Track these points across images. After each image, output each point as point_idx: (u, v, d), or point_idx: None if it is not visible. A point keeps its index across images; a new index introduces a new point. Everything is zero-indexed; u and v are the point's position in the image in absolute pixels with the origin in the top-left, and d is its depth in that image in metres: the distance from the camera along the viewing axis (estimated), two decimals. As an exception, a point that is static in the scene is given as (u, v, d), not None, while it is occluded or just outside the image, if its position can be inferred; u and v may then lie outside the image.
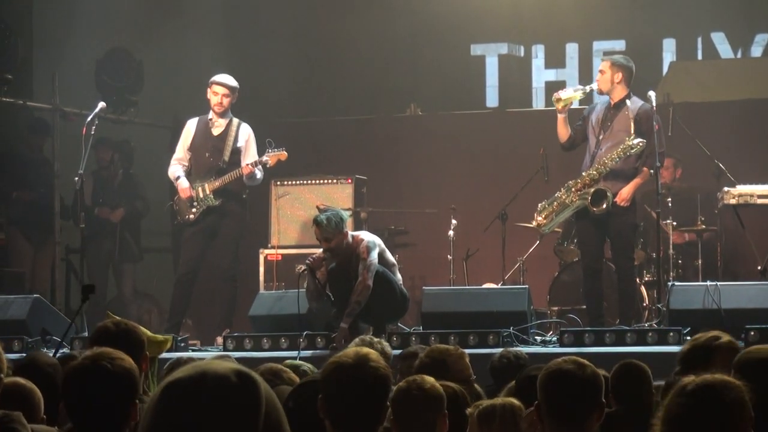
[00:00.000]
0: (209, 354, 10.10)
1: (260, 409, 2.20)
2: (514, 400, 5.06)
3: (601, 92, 10.75)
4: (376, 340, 7.77)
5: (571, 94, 10.75)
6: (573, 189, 10.63)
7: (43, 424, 4.55)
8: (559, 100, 10.65)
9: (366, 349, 4.00)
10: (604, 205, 10.42)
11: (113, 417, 3.99)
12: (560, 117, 10.74)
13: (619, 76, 10.64)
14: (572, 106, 11.16)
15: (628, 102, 10.61)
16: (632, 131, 10.43)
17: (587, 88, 10.87)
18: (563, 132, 10.78)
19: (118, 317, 5.74)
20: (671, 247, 11.96)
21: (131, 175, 13.91)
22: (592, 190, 10.49)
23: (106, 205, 13.51)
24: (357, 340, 7.89)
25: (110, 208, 13.53)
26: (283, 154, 11.33)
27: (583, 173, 10.61)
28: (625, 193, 10.51)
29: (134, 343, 5.07)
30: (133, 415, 4.01)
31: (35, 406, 4.63)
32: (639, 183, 10.61)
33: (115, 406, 4.00)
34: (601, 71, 10.71)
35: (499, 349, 7.85)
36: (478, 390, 6.23)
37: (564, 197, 10.68)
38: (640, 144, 10.38)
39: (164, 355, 8.79)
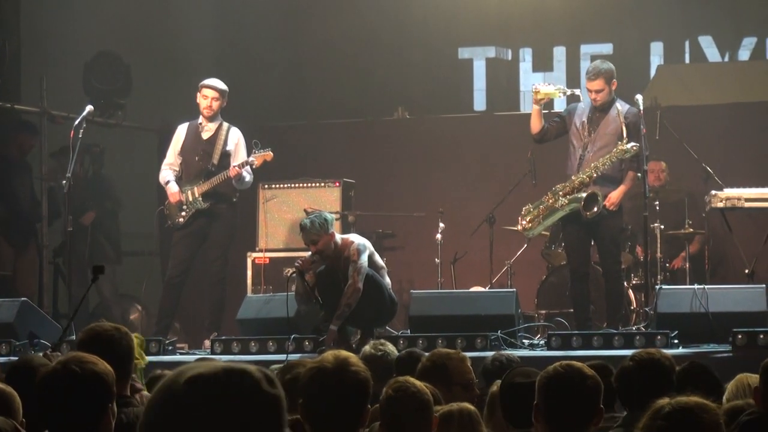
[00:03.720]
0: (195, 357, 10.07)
1: (284, 405, 2.19)
2: (470, 406, 5.01)
3: (603, 107, 10.64)
4: (380, 344, 7.74)
5: (552, 90, 10.70)
6: (561, 193, 10.62)
7: (22, 428, 4.52)
8: (538, 91, 10.64)
9: (345, 353, 3.99)
10: (596, 209, 10.42)
11: (86, 422, 3.96)
12: (535, 108, 10.73)
13: (614, 84, 10.64)
14: (551, 109, 11.15)
15: (618, 105, 10.60)
16: (624, 135, 10.42)
17: (569, 92, 10.84)
18: (536, 123, 10.75)
19: (109, 323, 5.68)
20: (659, 250, 11.97)
21: (102, 176, 13.77)
22: (584, 194, 10.48)
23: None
24: (368, 345, 7.83)
25: (80, 211, 13.30)
26: (269, 155, 11.32)
27: (572, 177, 10.60)
28: (615, 197, 10.51)
29: (122, 348, 4.98)
30: (107, 419, 3.98)
31: (14, 411, 4.61)
32: (628, 187, 10.62)
33: (87, 410, 3.97)
34: (597, 90, 10.55)
35: (487, 353, 7.85)
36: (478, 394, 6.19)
37: (552, 201, 10.66)
38: (634, 148, 10.37)
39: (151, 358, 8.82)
